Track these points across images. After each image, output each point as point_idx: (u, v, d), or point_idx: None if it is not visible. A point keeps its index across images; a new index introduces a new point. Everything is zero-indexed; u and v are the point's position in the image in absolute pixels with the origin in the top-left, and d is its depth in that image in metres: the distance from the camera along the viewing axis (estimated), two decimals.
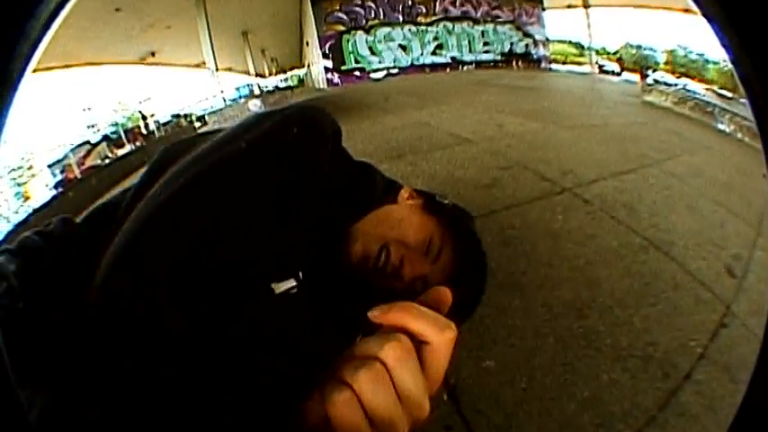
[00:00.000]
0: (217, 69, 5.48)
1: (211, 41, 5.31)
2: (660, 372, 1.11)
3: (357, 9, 6.87)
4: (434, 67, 7.63)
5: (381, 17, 7.03)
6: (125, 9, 4.36)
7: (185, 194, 0.70)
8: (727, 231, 2.07)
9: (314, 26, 6.56)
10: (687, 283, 1.59)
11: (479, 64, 8.15)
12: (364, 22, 6.95)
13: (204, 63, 5.49)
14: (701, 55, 8.19)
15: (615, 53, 10.54)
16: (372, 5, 6.96)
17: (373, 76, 6.97)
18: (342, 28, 6.83)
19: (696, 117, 5.55)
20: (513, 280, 1.43)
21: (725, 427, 0.73)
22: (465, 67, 7.95)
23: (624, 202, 2.07)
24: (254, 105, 3.46)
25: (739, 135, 5.16)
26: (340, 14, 6.62)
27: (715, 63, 7.99)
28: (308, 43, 8.06)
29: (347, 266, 0.88)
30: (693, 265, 1.69)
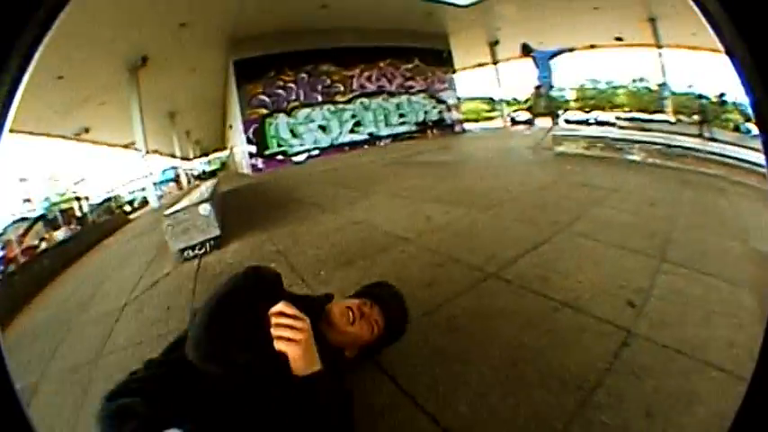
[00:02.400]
0: (147, 151, 5.81)
1: (142, 120, 5.71)
2: (565, 388, 1.73)
3: (279, 91, 7.65)
4: (353, 145, 8.44)
5: (302, 98, 7.86)
6: (66, 77, 4.66)
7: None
8: (629, 271, 2.70)
9: (238, 109, 7.22)
10: (592, 325, 2.18)
11: (396, 137, 9.15)
12: (286, 104, 7.70)
13: (133, 143, 5.83)
14: (609, 83, 9.98)
15: (525, 101, 12.39)
16: (293, 87, 7.83)
17: (295, 159, 7.65)
18: (265, 111, 7.53)
19: (607, 156, 6.60)
20: (459, 354, 2.01)
21: (725, 428, 0.74)
22: (382, 142, 8.85)
23: (538, 274, 2.68)
24: (205, 210, 4.02)
25: (650, 160, 6.18)
26: (263, 97, 7.38)
27: (623, 87, 9.78)
28: (231, 126, 8.66)
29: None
30: (598, 310, 2.28)
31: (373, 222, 4.09)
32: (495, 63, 10.44)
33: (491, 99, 11.44)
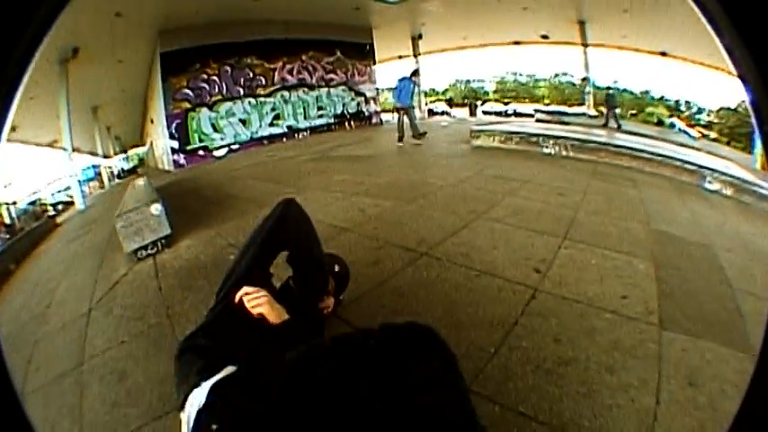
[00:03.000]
0: (73, 149, 5.72)
1: (69, 116, 5.63)
2: (492, 326, 2.41)
3: (203, 85, 7.77)
4: (272, 138, 8.73)
5: (224, 92, 8.03)
6: None
7: None
8: (536, 247, 3.44)
9: (162, 103, 7.23)
10: (506, 286, 2.88)
11: (314, 129, 9.54)
12: (209, 98, 7.83)
13: (56, 141, 5.71)
14: (531, 76, 11.12)
15: (444, 92, 13.35)
16: (217, 80, 7.97)
17: (216, 154, 7.80)
18: (188, 105, 7.59)
19: (523, 149, 7.36)
20: (409, 312, 2.59)
21: (725, 428, 0.76)
22: (300, 135, 9.20)
23: (461, 251, 3.37)
24: (156, 210, 4.23)
25: (564, 153, 7.00)
26: (187, 91, 7.46)
27: (545, 80, 10.94)
28: (152, 121, 8.59)
29: None
30: (510, 275, 3.00)
31: (313, 216, 4.37)
32: (416, 56, 11.18)
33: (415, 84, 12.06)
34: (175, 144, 7.75)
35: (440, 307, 2.58)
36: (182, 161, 7.77)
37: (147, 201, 4.36)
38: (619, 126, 9.53)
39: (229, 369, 1.58)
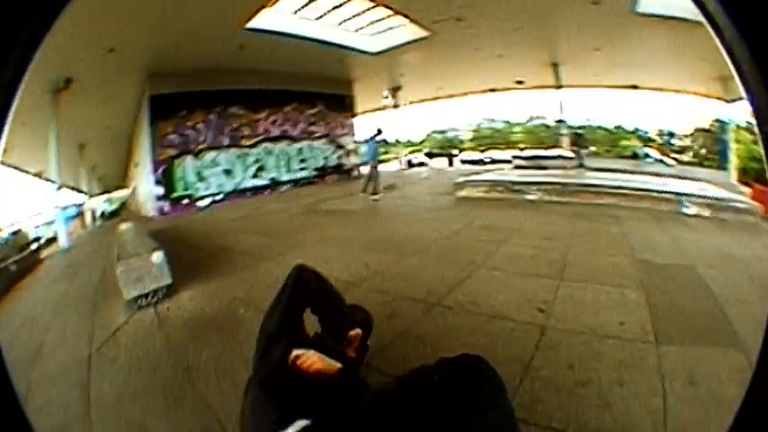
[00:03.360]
0: (60, 182, 5.88)
1: (57, 147, 5.83)
2: (513, 362, 2.71)
3: (188, 132, 8.04)
4: (255, 190, 8.98)
5: (209, 141, 8.29)
6: None
7: None
8: (536, 290, 3.81)
9: (149, 147, 7.47)
10: (517, 326, 3.22)
11: (296, 182, 9.84)
12: (194, 146, 8.08)
13: (44, 172, 5.88)
14: (506, 122, 11.83)
15: (421, 143, 13.96)
16: (202, 128, 8.26)
17: (200, 204, 7.98)
18: (174, 152, 7.82)
19: (507, 197, 7.75)
20: (434, 357, 2.82)
21: (725, 428, 0.81)
22: (283, 188, 9.50)
23: (469, 300, 3.71)
24: (158, 258, 4.35)
25: (546, 198, 7.39)
26: (173, 137, 7.72)
27: (519, 125, 11.66)
28: (137, 165, 8.76)
29: None
30: (517, 315, 3.37)
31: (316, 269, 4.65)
32: (395, 107, 11.77)
33: (385, 141, 12.63)
34: (161, 191, 7.90)
35: (461, 350, 2.81)
36: (166, 209, 7.90)
37: (147, 248, 4.49)
38: (581, 165, 10.17)
39: (302, 423, 1.75)
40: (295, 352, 2.08)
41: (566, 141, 10.91)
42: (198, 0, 6.64)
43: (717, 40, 0.85)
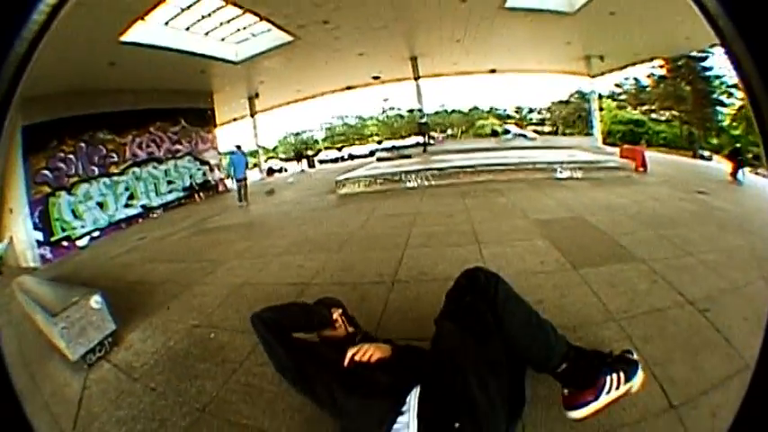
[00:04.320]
0: None
1: None
2: None
3: (60, 164, 7.79)
4: (128, 220, 9.01)
5: (80, 172, 8.11)
6: None
7: None
8: (466, 254, 4.83)
9: (23, 187, 7.03)
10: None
11: (166, 206, 10.03)
12: (66, 179, 7.87)
13: None
14: (360, 117, 13.39)
15: (274, 149, 14.97)
16: (73, 158, 8.04)
17: (79, 244, 7.78)
18: (48, 189, 7.53)
19: (388, 188, 8.69)
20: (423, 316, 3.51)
21: (725, 428, 0.89)
22: (155, 213, 9.66)
23: (419, 272, 4.49)
24: (96, 303, 4.03)
25: (426, 183, 8.47)
26: (46, 172, 7.37)
27: (372, 118, 13.22)
28: (11, 210, 8.19)
29: None
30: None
31: (257, 280, 5.07)
32: (252, 115, 12.18)
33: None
34: (40, 236, 7.49)
35: (428, 309, 3.63)
36: (48, 255, 7.47)
37: (80, 294, 4.06)
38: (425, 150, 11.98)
39: (414, 392, 2.17)
40: (349, 353, 2.38)
41: (428, 129, 12.37)
42: (75, 13, 6.34)
43: (717, 40, 0.91)
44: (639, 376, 2.23)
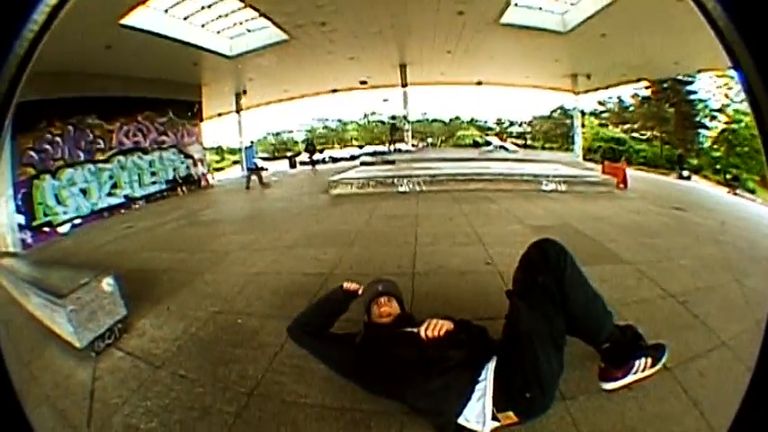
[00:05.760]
0: None
1: None
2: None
3: (46, 146, 7.58)
4: (111, 209, 8.85)
5: (66, 156, 7.90)
6: None
7: None
8: (474, 253, 5.04)
9: (9, 167, 6.73)
10: (483, 274, 4.39)
11: (148, 197, 9.92)
12: (52, 163, 7.65)
13: None
14: (340, 121, 13.62)
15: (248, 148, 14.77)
16: (60, 141, 7.84)
17: (61, 230, 7.57)
18: (33, 171, 7.30)
19: (380, 191, 8.81)
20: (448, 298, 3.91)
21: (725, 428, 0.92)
22: (137, 204, 9.51)
23: (436, 265, 4.71)
24: (109, 285, 3.83)
25: (418, 188, 8.61)
26: (32, 153, 7.12)
27: (353, 122, 13.47)
28: None
29: None
30: (477, 269, 4.55)
31: (273, 270, 5.10)
32: (238, 112, 12.09)
33: (220, 148, 12.89)
34: (22, 219, 7.18)
35: (464, 294, 3.95)
36: (29, 240, 7.18)
37: (90, 275, 3.75)
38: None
39: (491, 365, 2.41)
40: (422, 332, 2.53)
41: (409, 136, 12.56)
42: None
43: (717, 40, 0.90)
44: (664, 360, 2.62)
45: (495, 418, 2.34)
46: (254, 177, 11.07)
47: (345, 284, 3.08)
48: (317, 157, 13.99)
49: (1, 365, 0.99)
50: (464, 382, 2.39)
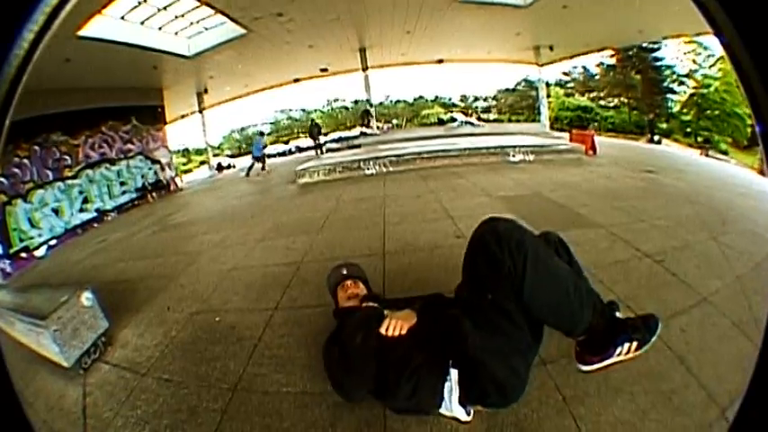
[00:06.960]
0: None
1: None
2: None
3: (15, 170, 7.45)
4: (84, 225, 8.79)
5: (35, 177, 7.80)
6: None
7: None
8: (443, 228, 5.17)
9: None
10: (451, 249, 4.39)
11: (120, 208, 9.87)
12: (22, 186, 7.56)
13: None
14: (303, 110, 13.70)
15: (220, 146, 14.89)
16: (27, 163, 7.72)
17: (37, 254, 7.52)
18: (4, 198, 7.19)
19: (347, 176, 8.89)
20: (424, 278, 3.86)
21: (725, 428, 0.99)
22: (109, 216, 9.47)
23: (407, 244, 4.87)
24: (88, 299, 3.87)
25: (384, 170, 8.74)
26: (2, 179, 6.99)
27: (317, 110, 13.49)
28: None
29: None
30: (448, 242, 4.72)
31: (246, 264, 5.19)
32: (201, 111, 11.96)
33: (186, 150, 12.76)
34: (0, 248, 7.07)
35: (434, 269, 4.01)
36: (8, 269, 7.12)
37: (67, 292, 3.81)
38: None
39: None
40: (382, 329, 2.49)
41: (371, 119, 12.59)
42: None
43: (717, 40, 0.89)
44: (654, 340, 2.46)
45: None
46: (257, 165, 11.30)
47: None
48: (282, 149, 13.96)
49: (1, 366, 1.01)
50: (432, 381, 2.34)
